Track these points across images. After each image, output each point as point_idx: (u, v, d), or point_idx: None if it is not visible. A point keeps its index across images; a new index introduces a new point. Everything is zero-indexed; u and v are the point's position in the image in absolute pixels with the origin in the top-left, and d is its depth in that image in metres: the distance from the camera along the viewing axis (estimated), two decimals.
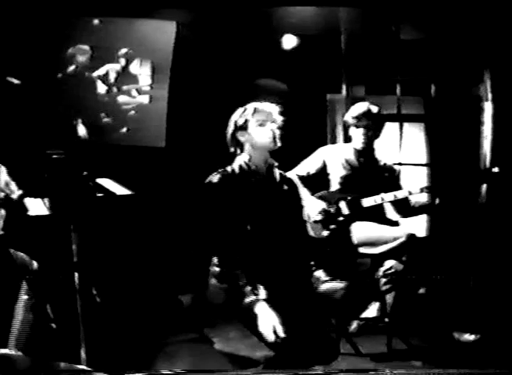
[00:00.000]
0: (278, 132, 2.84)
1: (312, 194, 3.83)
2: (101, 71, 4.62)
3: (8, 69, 4.31)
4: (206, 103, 4.59)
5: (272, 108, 2.90)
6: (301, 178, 3.82)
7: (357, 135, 3.84)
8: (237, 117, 2.91)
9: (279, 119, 2.89)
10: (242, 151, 2.91)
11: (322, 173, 3.86)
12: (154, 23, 4.56)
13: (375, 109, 3.84)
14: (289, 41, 4.75)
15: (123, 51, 4.61)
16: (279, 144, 2.83)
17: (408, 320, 3.85)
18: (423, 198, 3.81)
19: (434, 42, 4.57)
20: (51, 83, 4.50)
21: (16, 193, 2.36)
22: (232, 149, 2.94)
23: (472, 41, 4.34)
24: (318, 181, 3.89)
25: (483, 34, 4.21)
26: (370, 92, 4.76)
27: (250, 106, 2.90)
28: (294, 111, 4.74)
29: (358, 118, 3.82)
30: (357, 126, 3.82)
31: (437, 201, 3.71)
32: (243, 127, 2.87)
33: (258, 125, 2.84)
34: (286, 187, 2.93)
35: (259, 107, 2.88)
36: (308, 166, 3.90)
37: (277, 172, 2.92)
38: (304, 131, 4.62)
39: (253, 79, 4.66)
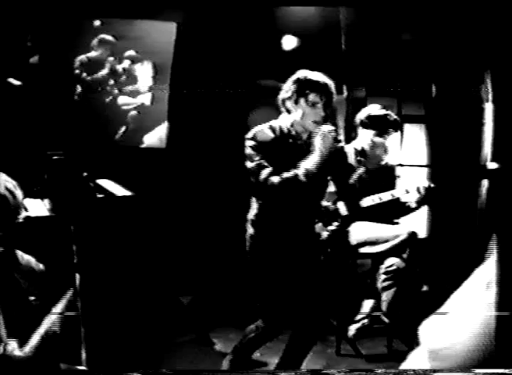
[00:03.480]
0: (327, 111, 2.81)
1: None
2: (102, 72, 4.62)
3: (9, 71, 4.31)
4: (207, 104, 4.59)
5: (327, 84, 2.83)
6: None
7: (365, 137, 3.84)
8: (288, 87, 2.88)
9: (333, 96, 2.83)
10: (289, 113, 2.87)
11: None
12: (155, 24, 4.56)
13: (392, 115, 3.84)
14: (289, 42, 4.75)
15: (124, 52, 4.61)
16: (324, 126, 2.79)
17: (409, 319, 3.85)
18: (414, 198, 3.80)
19: (434, 43, 4.57)
20: (52, 85, 4.50)
21: (23, 214, 2.36)
22: (282, 110, 2.89)
23: (473, 41, 4.34)
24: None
25: (484, 35, 4.21)
26: (371, 93, 4.76)
27: (305, 81, 2.84)
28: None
29: (368, 121, 3.81)
30: (368, 128, 3.82)
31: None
32: (294, 101, 2.84)
33: (309, 105, 2.81)
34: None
35: (314, 85, 2.81)
36: None
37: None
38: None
39: (253, 80, 4.66)
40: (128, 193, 4.09)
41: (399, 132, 3.96)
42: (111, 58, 4.55)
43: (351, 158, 3.87)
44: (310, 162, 2.76)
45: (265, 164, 2.74)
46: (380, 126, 3.79)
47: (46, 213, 3.50)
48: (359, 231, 3.73)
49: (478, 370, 0.74)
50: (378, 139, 3.80)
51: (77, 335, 3.13)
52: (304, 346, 3.02)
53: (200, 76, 4.53)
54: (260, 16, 4.48)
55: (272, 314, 2.90)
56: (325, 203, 3.76)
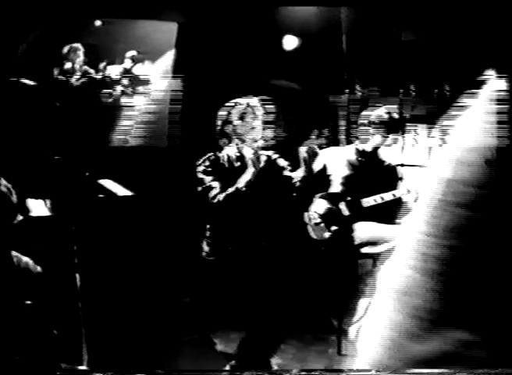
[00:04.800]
0: (259, 124, 3.23)
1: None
2: (103, 73, 4.63)
3: (11, 71, 4.31)
4: (207, 103, 4.59)
5: (252, 102, 3.27)
6: None
7: (368, 138, 3.84)
8: (222, 112, 3.32)
9: (260, 111, 3.27)
10: (230, 142, 3.29)
11: (323, 176, 3.86)
12: (156, 24, 4.56)
13: (395, 116, 3.85)
14: (290, 42, 4.74)
15: (125, 52, 4.61)
16: (260, 135, 3.22)
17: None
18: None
19: (436, 43, 4.57)
20: (54, 85, 4.51)
21: (19, 218, 2.37)
22: (221, 140, 3.32)
23: (475, 41, 4.34)
24: (320, 183, 3.89)
25: (487, 34, 4.20)
26: (372, 93, 4.75)
27: (232, 101, 3.31)
28: (297, 113, 4.74)
29: (376, 123, 3.81)
30: (373, 131, 3.82)
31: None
32: (227, 121, 3.26)
33: (239, 118, 3.23)
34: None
35: (239, 101, 3.27)
36: None
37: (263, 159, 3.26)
38: (306, 132, 4.62)
39: (254, 79, 4.66)
40: (129, 193, 4.09)
41: (403, 133, 3.97)
42: (85, 66, 4.57)
43: (352, 159, 3.88)
44: (248, 174, 3.16)
45: (213, 186, 3.16)
46: (385, 129, 3.80)
47: (47, 213, 3.50)
48: (361, 231, 3.73)
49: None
50: (381, 141, 3.80)
51: (78, 335, 3.14)
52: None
53: (202, 76, 4.54)
54: (261, 16, 4.48)
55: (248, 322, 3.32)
56: (326, 204, 3.77)
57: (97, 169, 3.89)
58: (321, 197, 3.83)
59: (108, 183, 3.92)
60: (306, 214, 3.73)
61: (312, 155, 3.30)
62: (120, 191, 4.00)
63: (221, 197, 3.13)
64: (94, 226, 3.89)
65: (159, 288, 4.20)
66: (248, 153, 3.18)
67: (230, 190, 3.14)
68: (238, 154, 3.27)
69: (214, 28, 4.52)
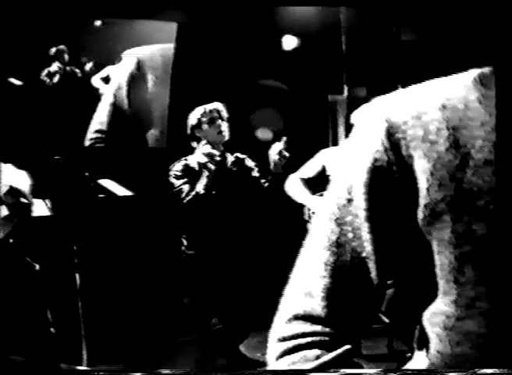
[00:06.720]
0: (225, 127, 3.43)
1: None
2: (103, 73, 4.63)
3: (10, 71, 4.32)
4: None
5: (219, 107, 3.48)
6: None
7: None
8: (192, 118, 3.51)
9: (225, 115, 3.48)
10: (198, 144, 3.49)
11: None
12: (156, 24, 4.56)
13: None
14: (289, 42, 4.75)
15: (125, 52, 4.62)
16: (227, 137, 3.43)
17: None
18: None
19: (435, 43, 4.57)
20: (54, 84, 4.51)
21: (32, 204, 2.37)
22: (192, 143, 3.52)
23: (474, 41, 4.33)
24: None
25: (485, 35, 4.20)
26: (371, 93, 4.75)
27: (201, 108, 3.49)
28: (296, 112, 4.75)
29: None
30: None
31: None
32: (198, 126, 3.46)
33: (207, 123, 3.42)
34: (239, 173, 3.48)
35: (207, 108, 3.47)
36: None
37: (231, 160, 3.49)
38: (306, 132, 4.62)
39: (254, 80, 4.66)
40: (129, 193, 4.09)
41: None
42: (68, 68, 4.58)
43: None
44: (203, 179, 3.31)
45: (182, 188, 3.35)
46: None
47: (47, 213, 3.50)
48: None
49: (482, 370, 0.74)
50: None
51: (78, 335, 3.14)
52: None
53: (201, 76, 4.54)
54: (260, 16, 4.49)
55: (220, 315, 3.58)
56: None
57: (97, 169, 3.90)
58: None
59: (107, 184, 3.92)
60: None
61: (283, 158, 3.33)
62: (120, 191, 4.00)
63: (187, 198, 3.32)
64: (94, 226, 3.89)
65: (159, 288, 4.21)
66: (200, 158, 3.33)
67: (191, 194, 3.31)
68: (203, 159, 3.42)
69: (214, 28, 4.52)
